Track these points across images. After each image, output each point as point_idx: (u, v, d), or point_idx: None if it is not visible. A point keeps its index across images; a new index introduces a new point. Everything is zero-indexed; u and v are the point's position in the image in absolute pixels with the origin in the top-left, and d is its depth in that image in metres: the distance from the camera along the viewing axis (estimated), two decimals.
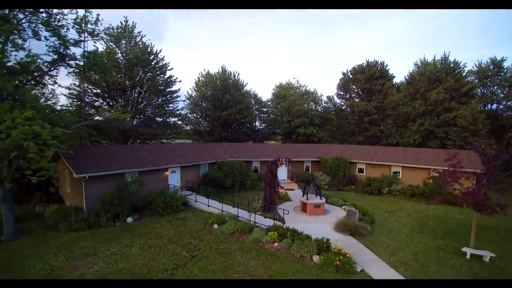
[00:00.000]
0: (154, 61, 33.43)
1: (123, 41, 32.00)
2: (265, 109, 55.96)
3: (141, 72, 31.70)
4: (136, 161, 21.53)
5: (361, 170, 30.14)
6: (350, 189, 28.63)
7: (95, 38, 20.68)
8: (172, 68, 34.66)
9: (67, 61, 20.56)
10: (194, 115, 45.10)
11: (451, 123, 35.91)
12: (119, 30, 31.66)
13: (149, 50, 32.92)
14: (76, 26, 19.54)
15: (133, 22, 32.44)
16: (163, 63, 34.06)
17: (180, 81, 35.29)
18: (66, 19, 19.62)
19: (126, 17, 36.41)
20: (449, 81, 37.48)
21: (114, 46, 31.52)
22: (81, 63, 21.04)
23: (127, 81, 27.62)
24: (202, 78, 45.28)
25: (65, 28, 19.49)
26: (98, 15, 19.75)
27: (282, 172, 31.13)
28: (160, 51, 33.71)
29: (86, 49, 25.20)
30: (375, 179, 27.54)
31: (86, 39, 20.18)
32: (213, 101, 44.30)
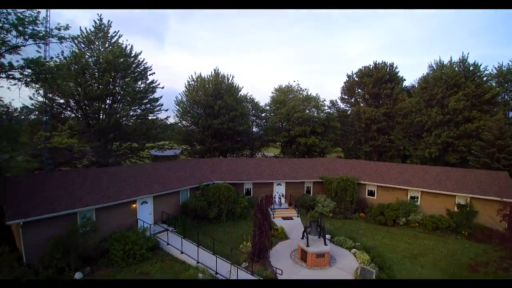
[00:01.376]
0: (134, 65, 29.04)
1: (97, 42, 27.63)
2: (263, 114, 51.68)
3: (118, 78, 27.29)
4: (93, 194, 17.21)
5: (371, 193, 25.65)
6: (360, 217, 24.16)
7: (40, 41, 16.42)
8: (154, 73, 30.15)
9: (6, 72, 16.31)
10: (184, 122, 40.73)
11: (473, 135, 31.31)
12: (92, 30, 27.32)
13: (128, 51, 28.53)
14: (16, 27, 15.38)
15: (108, 21, 28.06)
16: (144, 67, 29.63)
17: (163, 87, 30.66)
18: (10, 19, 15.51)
19: (101, 15, 32.01)
20: (469, 86, 32.83)
21: (86, 48, 27.17)
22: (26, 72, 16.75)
23: (96, 90, 23.22)
24: (193, 82, 40.87)
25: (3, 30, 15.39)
26: (38, 12, 15.42)
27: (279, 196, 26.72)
28: (140, 53, 29.31)
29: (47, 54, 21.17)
30: (389, 206, 23.07)
31: (27, 44, 15.86)
32: (204, 107, 39.90)
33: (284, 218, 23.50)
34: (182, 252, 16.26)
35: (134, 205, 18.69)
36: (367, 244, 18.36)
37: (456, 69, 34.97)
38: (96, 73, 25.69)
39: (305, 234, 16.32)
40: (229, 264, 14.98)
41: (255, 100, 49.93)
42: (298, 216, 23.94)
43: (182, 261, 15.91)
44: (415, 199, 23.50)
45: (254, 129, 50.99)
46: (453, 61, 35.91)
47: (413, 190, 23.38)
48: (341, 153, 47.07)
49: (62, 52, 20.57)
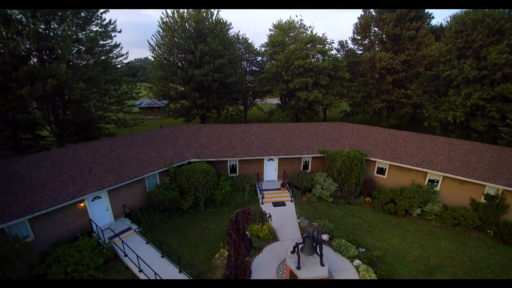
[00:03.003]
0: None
1: None
2: (259, 58, 45.28)
3: (54, 22, 20.87)
4: (23, 199, 13.55)
5: (381, 171, 22.22)
6: (365, 202, 21.18)
7: None
8: (107, 10, 23.27)
9: None
10: (161, 72, 34.88)
11: (510, 99, 26.48)
12: None
13: None
14: None
15: None
16: None
17: (120, 31, 23.97)
18: None
19: None
20: None
21: None
22: None
23: (23, 45, 17.30)
24: (168, 19, 33.67)
25: None
26: None
27: (271, 171, 23.32)
28: None
29: None
30: (403, 192, 19.81)
31: None
32: (185, 53, 33.76)
33: (275, 204, 20.53)
34: (140, 270, 13.41)
35: (83, 204, 15.25)
36: (373, 250, 15.57)
37: (501, 10, 28.04)
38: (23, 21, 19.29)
39: (296, 249, 13.25)
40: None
41: (249, 41, 43.09)
42: (292, 201, 20.92)
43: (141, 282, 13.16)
44: (435, 183, 20.15)
45: (248, 77, 45.34)
46: None
47: (434, 173, 19.83)
48: (347, 108, 42.40)
49: None
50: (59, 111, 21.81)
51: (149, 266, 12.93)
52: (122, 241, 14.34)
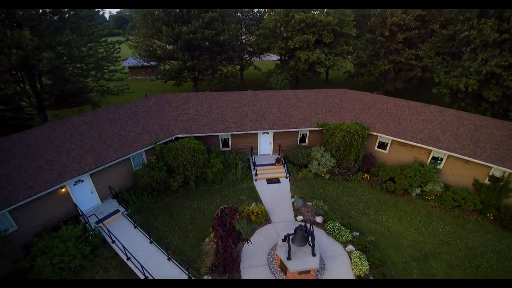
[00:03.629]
0: None
1: None
2: (255, 10, 41.80)
3: None
4: None
5: (382, 145, 21.61)
6: (363, 178, 20.92)
7: None
8: None
9: None
10: (144, 30, 32.09)
11: None
12: None
13: None
14: None
15: None
16: None
17: None
18: None
19: None
20: None
21: None
22: None
23: None
24: None
25: None
26: None
27: (266, 145, 22.69)
28: None
29: None
30: (403, 171, 19.39)
31: None
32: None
33: (269, 181, 20.28)
34: (128, 258, 13.50)
35: (64, 190, 14.85)
36: (368, 235, 15.69)
37: None
38: None
39: (286, 238, 13.16)
40: (186, 276, 12.56)
41: None
42: (286, 177, 20.63)
43: (130, 271, 13.30)
44: (438, 161, 19.68)
45: (244, 30, 42.32)
46: None
47: (439, 151, 19.18)
48: (351, 69, 40.26)
49: None
50: (35, 81, 20.35)
51: (135, 258, 12.98)
52: (108, 230, 14.25)
